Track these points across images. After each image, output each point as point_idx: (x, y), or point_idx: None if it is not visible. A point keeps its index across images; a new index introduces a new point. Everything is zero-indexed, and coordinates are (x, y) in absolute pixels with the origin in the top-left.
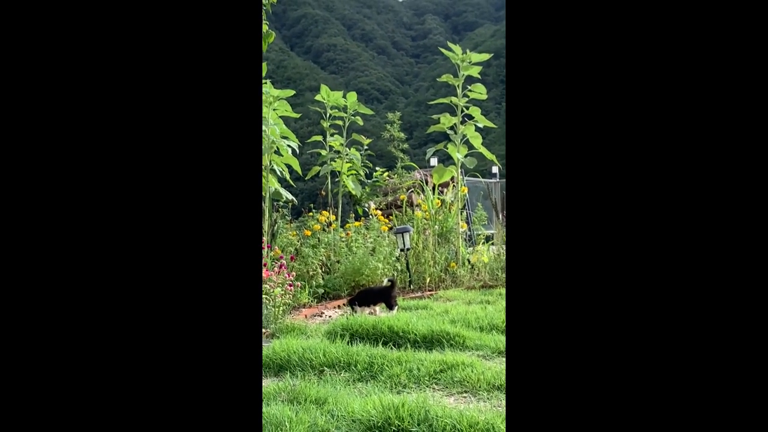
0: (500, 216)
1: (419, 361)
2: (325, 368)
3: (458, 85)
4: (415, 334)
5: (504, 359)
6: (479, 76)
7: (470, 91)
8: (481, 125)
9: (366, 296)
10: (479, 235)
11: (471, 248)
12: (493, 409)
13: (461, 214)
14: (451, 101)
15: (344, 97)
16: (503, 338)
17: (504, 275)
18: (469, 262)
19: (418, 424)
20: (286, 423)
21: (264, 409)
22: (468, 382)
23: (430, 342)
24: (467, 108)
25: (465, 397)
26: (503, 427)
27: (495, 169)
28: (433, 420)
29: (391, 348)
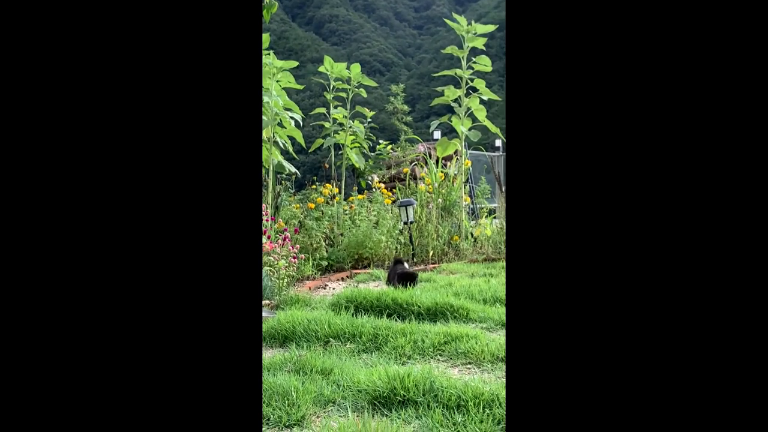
0: (503, 189)
1: (423, 333)
2: (330, 339)
3: (463, 57)
4: (419, 307)
5: None
6: (484, 48)
7: (475, 63)
8: (485, 98)
9: (402, 277)
10: (482, 208)
11: (474, 222)
12: (498, 380)
13: (464, 187)
14: (455, 73)
15: (348, 68)
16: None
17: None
18: (472, 235)
19: (424, 395)
20: (293, 393)
21: (270, 379)
22: (472, 353)
23: (434, 314)
24: (471, 80)
25: (469, 368)
26: None
27: (498, 143)
28: (439, 390)
29: (396, 320)
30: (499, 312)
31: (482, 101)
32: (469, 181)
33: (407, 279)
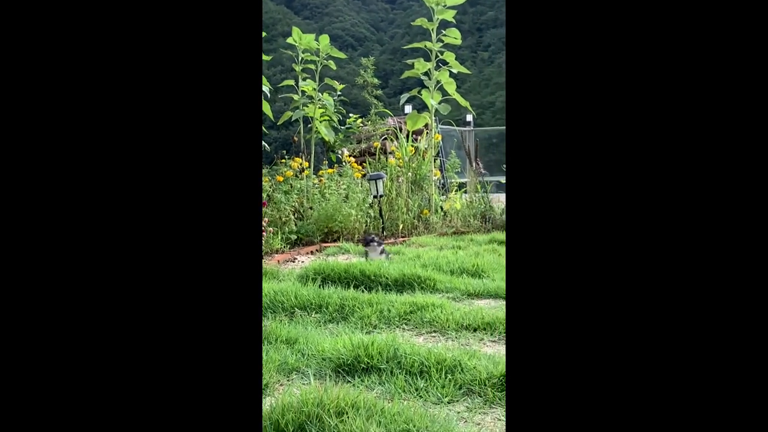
0: (473, 164)
1: (390, 303)
2: (297, 310)
3: (432, 30)
4: (387, 278)
5: (473, 301)
6: (454, 21)
7: (445, 35)
8: (455, 71)
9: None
10: (452, 182)
11: (444, 196)
12: (461, 347)
13: (435, 161)
14: (425, 46)
15: (317, 40)
16: (473, 281)
17: (476, 222)
18: (442, 209)
19: (387, 362)
20: None
21: None
22: (437, 322)
23: (402, 285)
24: (441, 53)
25: (434, 336)
26: (470, 363)
27: (469, 117)
28: (402, 357)
29: (363, 291)
30: (466, 282)
31: (452, 74)
32: (440, 155)
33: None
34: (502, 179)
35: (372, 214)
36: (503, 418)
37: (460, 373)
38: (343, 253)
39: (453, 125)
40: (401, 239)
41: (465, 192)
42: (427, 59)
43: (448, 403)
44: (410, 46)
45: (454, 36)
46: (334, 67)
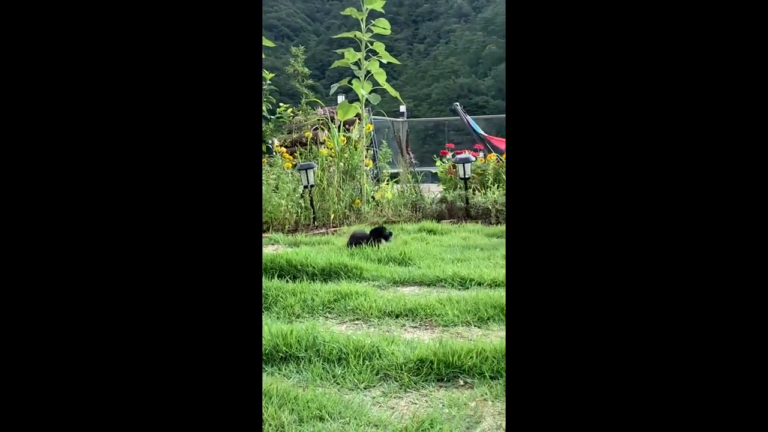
0: (404, 154)
1: (314, 292)
2: None
3: (362, 19)
4: (314, 267)
5: (398, 288)
6: (383, 11)
7: (374, 25)
8: (385, 61)
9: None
10: (384, 173)
11: (376, 186)
12: (382, 333)
13: (368, 151)
14: (355, 36)
15: None
16: (399, 269)
17: (406, 211)
18: (373, 198)
19: (306, 350)
20: None
21: None
22: (360, 310)
23: (328, 274)
24: (371, 43)
25: (356, 324)
26: (388, 349)
27: (403, 108)
28: (321, 345)
29: (288, 281)
30: (392, 270)
31: (382, 64)
32: (372, 145)
33: (379, 235)
34: (433, 169)
35: (303, 204)
36: (417, 402)
37: (378, 358)
38: (272, 244)
39: (385, 116)
40: (333, 229)
41: (397, 182)
42: (358, 49)
43: (365, 388)
44: (339, 35)
45: (383, 26)
46: (263, 56)
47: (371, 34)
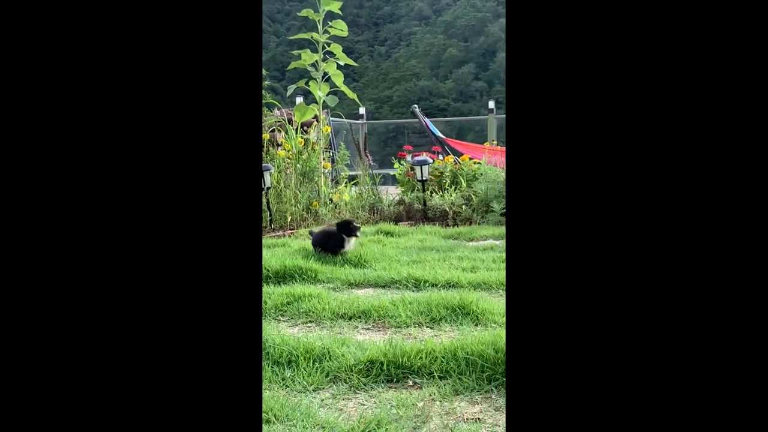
0: (362, 156)
1: (267, 295)
2: None
3: (319, 21)
4: (268, 270)
5: (352, 290)
6: (340, 12)
7: (331, 27)
8: (342, 63)
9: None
10: (342, 175)
11: (334, 188)
12: (334, 335)
13: (326, 153)
14: (311, 37)
15: None
16: (354, 271)
17: (364, 213)
18: (331, 201)
19: None
20: None
21: None
22: (313, 312)
23: (283, 277)
24: (329, 45)
25: (309, 326)
26: (338, 351)
27: (362, 110)
28: (271, 348)
29: None
30: (347, 272)
31: (339, 66)
32: (331, 147)
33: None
34: (392, 171)
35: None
36: (366, 403)
37: (328, 361)
38: None
39: (343, 117)
40: (290, 231)
41: (355, 184)
42: (315, 51)
43: (314, 390)
44: (296, 36)
45: (340, 28)
46: None
47: (328, 36)
